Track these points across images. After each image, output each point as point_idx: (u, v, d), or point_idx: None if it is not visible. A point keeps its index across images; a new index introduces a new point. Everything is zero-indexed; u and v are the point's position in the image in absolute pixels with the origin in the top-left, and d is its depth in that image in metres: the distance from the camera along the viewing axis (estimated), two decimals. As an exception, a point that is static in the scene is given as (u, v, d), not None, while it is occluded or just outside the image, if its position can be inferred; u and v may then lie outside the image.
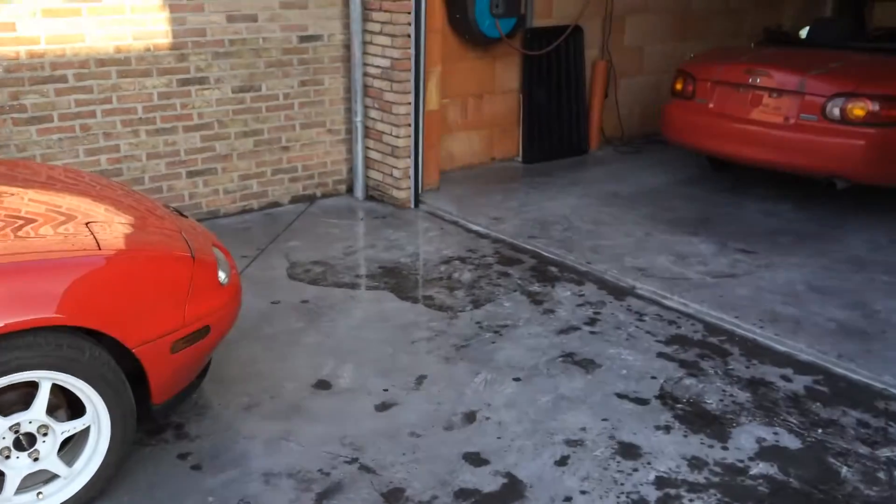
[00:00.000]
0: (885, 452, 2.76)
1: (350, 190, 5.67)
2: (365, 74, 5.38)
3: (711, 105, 5.40)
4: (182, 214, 3.13)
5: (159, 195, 4.85)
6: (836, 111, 4.76)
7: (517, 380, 3.24)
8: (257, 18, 4.94)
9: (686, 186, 5.91)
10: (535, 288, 4.16)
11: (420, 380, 3.23)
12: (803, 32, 6.34)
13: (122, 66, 4.54)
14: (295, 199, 5.43)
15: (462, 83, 6.12)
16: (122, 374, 2.42)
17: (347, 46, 5.35)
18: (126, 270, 2.43)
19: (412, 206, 5.46)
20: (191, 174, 4.96)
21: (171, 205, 4.85)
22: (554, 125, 6.63)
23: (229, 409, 3.00)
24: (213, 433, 2.85)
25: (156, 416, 2.61)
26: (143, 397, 2.51)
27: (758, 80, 5.11)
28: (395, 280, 4.23)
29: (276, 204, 5.35)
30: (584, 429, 2.90)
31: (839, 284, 4.14)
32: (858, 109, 4.69)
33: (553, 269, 4.42)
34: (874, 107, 4.65)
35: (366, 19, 5.26)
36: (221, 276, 2.69)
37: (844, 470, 2.67)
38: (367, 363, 3.36)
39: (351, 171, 5.63)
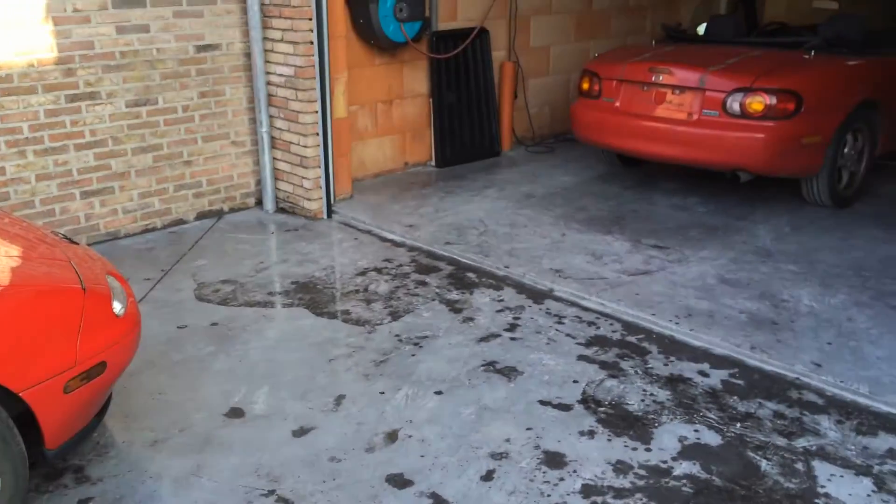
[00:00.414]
0: (801, 443, 2.81)
1: (259, 203, 5.48)
2: (268, 83, 5.21)
3: (618, 103, 5.47)
4: (72, 241, 2.92)
5: (52, 219, 4.56)
6: (736, 106, 4.88)
7: (439, 393, 3.16)
8: (149, 29, 4.71)
9: (598, 184, 5.97)
10: (454, 296, 4.10)
11: (339, 400, 3.12)
12: (701, 29, 6.52)
13: (4, 83, 4.24)
14: (201, 216, 5.21)
15: (370, 89, 6.01)
16: (10, 420, 2.23)
17: (248, 55, 5.16)
18: (9, 307, 2.24)
19: (325, 216, 5.32)
20: (86, 195, 4.68)
21: (66, 228, 4.57)
22: (465, 128, 6.60)
23: (134, 447, 2.82)
24: (117, 474, 2.66)
25: (52, 461, 2.41)
26: (38, 441, 2.32)
27: (661, 78, 5.20)
28: (310, 295, 4.09)
29: (180, 221, 5.12)
30: (508, 440, 2.85)
31: (748, 276, 4.23)
32: (756, 104, 4.82)
33: (471, 275, 4.37)
34: (771, 101, 4.78)
35: (265, 27, 5.09)
36: (117, 306, 2.52)
37: (764, 464, 2.70)
38: (282, 386, 3.22)
39: (259, 183, 5.44)
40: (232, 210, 5.36)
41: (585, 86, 5.70)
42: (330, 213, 5.35)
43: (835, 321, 3.69)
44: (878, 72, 5.24)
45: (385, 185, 6.02)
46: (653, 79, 5.24)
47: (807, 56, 5.16)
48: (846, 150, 5.13)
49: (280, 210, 5.44)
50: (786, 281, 4.15)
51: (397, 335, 3.66)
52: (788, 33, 6.38)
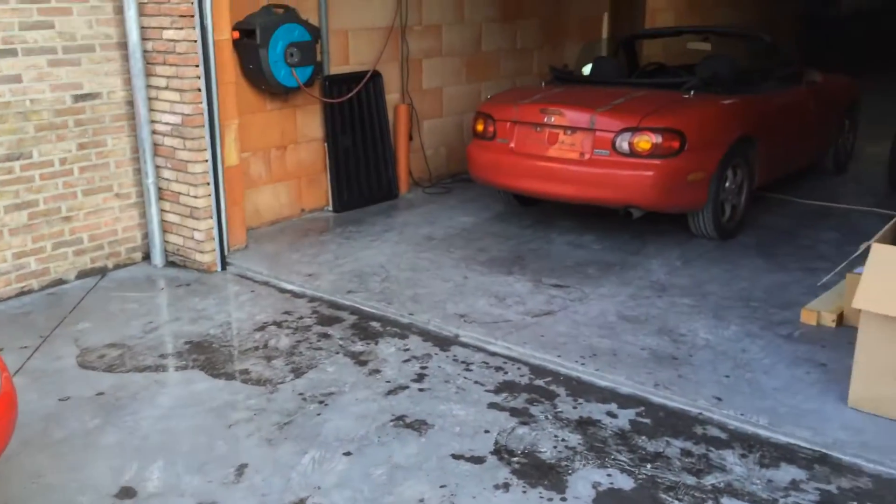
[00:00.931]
0: (709, 480, 2.85)
1: (147, 258, 5.21)
2: (153, 132, 4.99)
3: (512, 144, 5.54)
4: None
5: (-88, 286, 4.17)
6: (625, 145, 5.04)
7: (348, 454, 3.04)
8: (22, 79, 4.43)
9: (496, 224, 6.02)
10: (359, 347, 3.99)
11: (241, 470, 2.95)
12: (586, 69, 6.73)
13: None
14: (83, 274, 4.90)
15: (263, 135, 5.87)
16: None
17: (131, 103, 4.94)
18: None
19: (219, 269, 5.11)
20: (-48, 258, 4.32)
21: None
22: (362, 172, 6.53)
23: (12, 542, 2.56)
24: (-8, 576, 2.40)
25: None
26: None
27: (552, 119, 5.31)
28: (206, 356, 3.89)
29: (60, 282, 4.79)
30: (422, 500, 2.76)
31: (646, 311, 4.33)
32: (644, 143, 4.99)
33: (375, 324, 4.27)
34: (657, 139, 4.96)
35: (149, 74, 4.89)
36: (-13, 390, 2.29)
37: (676, 504, 2.72)
38: (178, 459, 3.02)
39: (146, 237, 5.18)
40: (117, 266, 5.07)
41: (480, 127, 5.76)
42: (224, 265, 5.15)
43: (730, 353, 3.81)
44: (751, 109, 5.54)
45: (282, 232, 5.86)
46: (545, 120, 5.35)
47: (686, 96, 5.39)
48: (727, 184, 5.37)
49: (170, 264, 5.19)
50: (682, 315, 4.27)
51: (301, 394, 3.51)
52: (667, 73, 6.68)
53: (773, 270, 4.90)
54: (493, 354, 3.90)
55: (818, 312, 4.02)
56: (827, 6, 13.77)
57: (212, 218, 5.06)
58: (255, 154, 5.86)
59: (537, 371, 3.72)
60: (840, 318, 3.99)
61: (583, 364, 3.73)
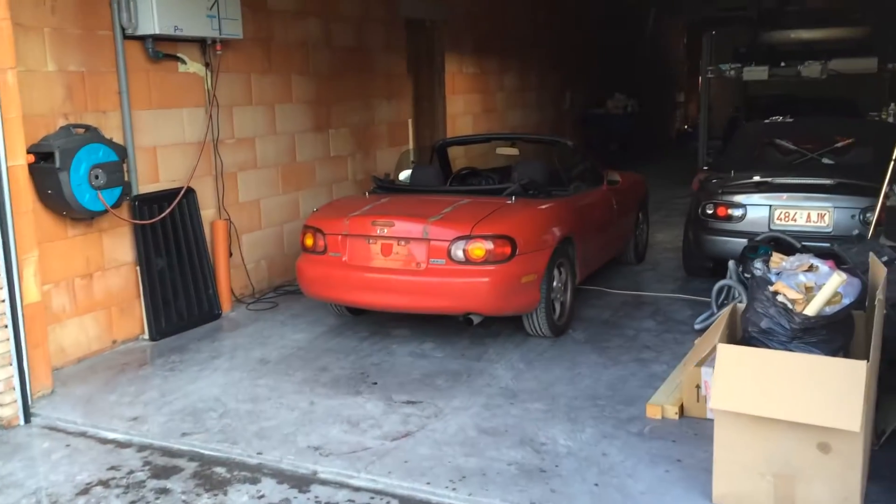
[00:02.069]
0: None
1: (-71, 419, 4.43)
2: (-65, 273, 4.33)
3: (346, 258, 5.44)
4: None
5: None
6: (460, 253, 5.11)
7: None
8: None
9: (332, 338, 5.81)
10: (206, 501, 3.58)
11: None
12: (403, 175, 6.85)
13: None
14: None
15: (66, 264, 5.30)
16: None
17: None
18: None
19: (22, 422, 4.45)
20: None
21: None
22: (180, 294, 6.08)
23: None
24: None
25: None
26: None
27: (385, 231, 5.29)
28: (21, 537, 3.30)
29: None
30: None
31: (503, 422, 4.31)
32: (477, 250, 5.09)
33: (220, 469, 3.88)
34: (489, 246, 5.09)
35: (-71, 207, 4.27)
36: None
37: None
38: None
39: (-72, 394, 4.41)
40: None
41: (309, 242, 5.60)
42: (29, 417, 4.49)
43: (592, 458, 3.86)
44: (568, 211, 5.88)
45: (93, 370, 5.25)
46: (377, 232, 5.32)
47: (510, 202, 5.61)
48: (555, 283, 5.60)
49: (-40, 423, 4.44)
50: (538, 421, 4.30)
51: (149, 570, 3.06)
52: (480, 177, 6.96)
53: (609, 365, 5.11)
54: (358, 490, 3.66)
55: (662, 407, 4.22)
56: (598, 106, 15.27)
57: (11, 365, 4.44)
58: (58, 285, 5.26)
59: (407, 503, 3.53)
60: (681, 410, 4.21)
61: (454, 489, 3.60)
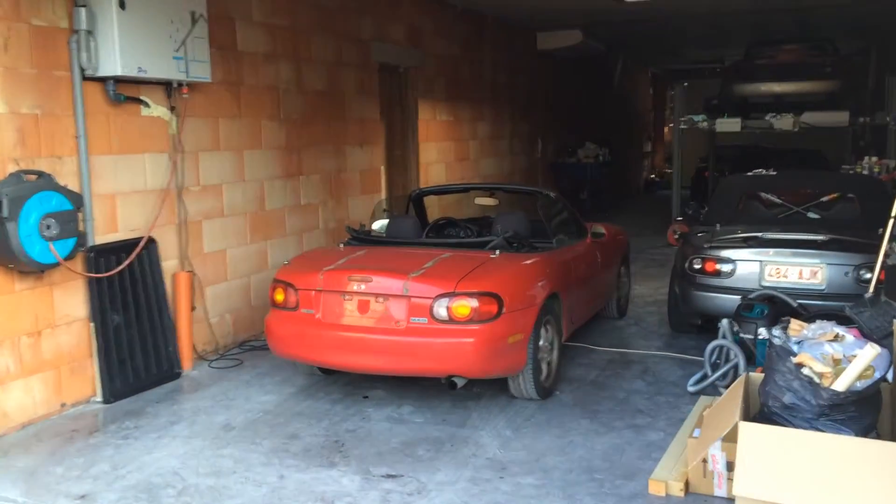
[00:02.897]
0: None
1: None
2: None
3: (319, 315, 5.07)
4: None
5: None
6: (443, 311, 4.78)
7: None
8: None
9: (303, 401, 5.40)
10: None
11: None
12: (377, 225, 6.52)
13: None
14: None
15: (11, 321, 4.85)
16: None
17: None
18: None
19: (-47, 503, 3.96)
20: None
21: None
22: (137, 351, 5.63)
23: None
24: None
25: None
26: None
27: (363, 287, 4.95)
28: None
29: None
30: None
31: (493, 499, 3.94)
32: (462, 308, 4.77)
33: (178, 560, 3.44)
34: (474, 304, 4.77)
35: None
36: None
37: None
38: None
39: None
40: None
41: (280, 297, 5.22)
42: (-39, 496, 4.00)
43: (595, 542, 3.52)
44: (554, 265, 5.60)
45: (39, 438, 4.77)
46: (354, 287, 4.97)
47: (493, 256, 5.32)
48: (541, 342, 5.28)
49: None
50: (531, 499, 3.93)
51: None
52: (458, 227, 6.67)
53: (602, 432, 4.79)
54: (336, 584, 3.25)
55: (665, 483, 3.89)
56: (569, 155, 15.20)
57: (-57, 437, 3.96)
58: (2, 345, 4.80)
59: None
60: (686, 486, 3.89)
61: (445, 583, 3.22)
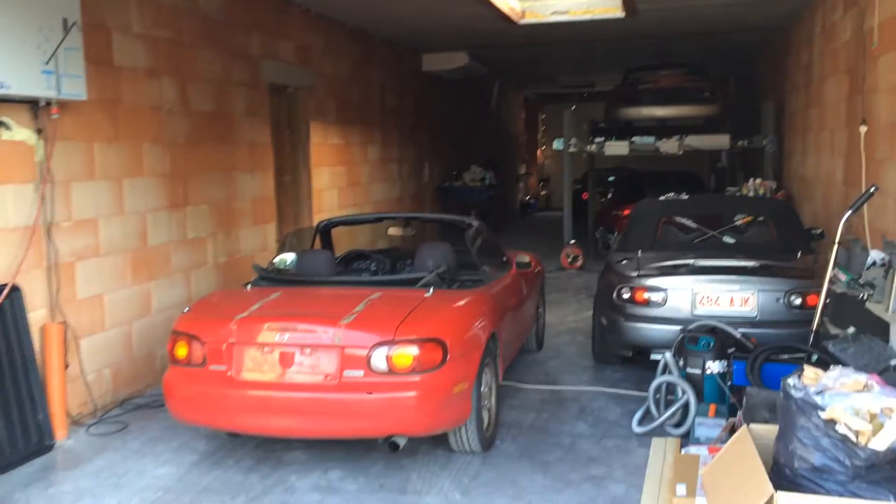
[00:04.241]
0: None
1: None
2: None
3: (232, 372, 4.34)
4: None
5: None
6: (382, 362, 4.20)
7: None
8: None
9: (208, 471, 4.62)
10: None
11: None
12: (285, 262, 5.83)
13: None
14: None
15: None
16: None
17: None
18: None
19: None
20: None
21: None
22: (-1, 424, 4.66)
23: None
24: None
25: None
26: None
27: (286, 337, 4.28)
28: None
29: None
30: None
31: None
32: (404, 357, 4.20)
33: None
34: (417, 352, 4.22)
35: None
36: None
37: None
38: None
39: None
40: None
41: (183, 352, 4.45)
42: None
43: None
44: (490, 301, 5.15)
45: None
46: (276, 338, 4.29)
47: (427, 294, 4.79)
48: (483, 388, 4.80)
49: None
50: (508, 581, 3.42)
51: None
52: (370, 260, 6.11)
53: (559, 488, 4.34)
54: None
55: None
56: (454, 179, 14.92)
57: None
58: None
59: None
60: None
61: None
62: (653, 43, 12.57)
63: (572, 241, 11.96)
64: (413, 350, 4.21)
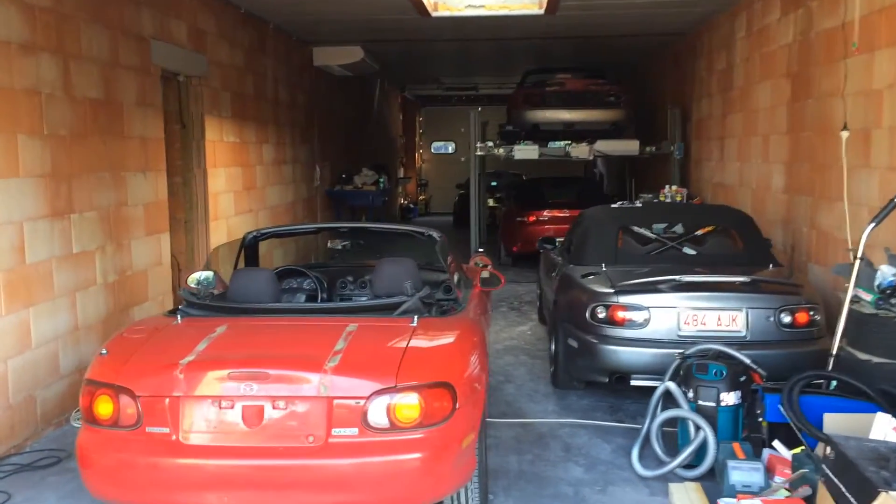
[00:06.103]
0: None
1: None
2: None
3: (178, 435, 3.29)
4: None
5: None
6: (383, 416, 3.31)
7: None
8: None
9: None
10: None
11: None
12: (198, 280, 4.74)
13: None
14: None
15: None
16: None
17: None
18: None
19: None
20: None
21: None
22: None
23: None
24: None
25: None
26: None
27: (253, 389, 3.29)
28: None
29: None
30: None
31: None
32: (409, 408, 3.33)
33: None
34: (423, 401, 3.36)
35: None
36: None
37: None
38: None
39: None
40: None
41: (106, 409, 3.35)
42: None
43: None
44: (480, 330, 4.33)
45: None
46: (241, 390, 3.29)
47: (413, 324, 3.90)
48: (478, 434, 3.99)
49: None
50: None
51: None
52: (305, 278, 5.16)
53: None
54: None
55: None
56: (345, 182, 13.91)
57: None
58: None
59: None
60: None
61: None
62: (558, 44, 12.22)
63: (480, 250, 11.33)
64: (418, 398, 3.34)
